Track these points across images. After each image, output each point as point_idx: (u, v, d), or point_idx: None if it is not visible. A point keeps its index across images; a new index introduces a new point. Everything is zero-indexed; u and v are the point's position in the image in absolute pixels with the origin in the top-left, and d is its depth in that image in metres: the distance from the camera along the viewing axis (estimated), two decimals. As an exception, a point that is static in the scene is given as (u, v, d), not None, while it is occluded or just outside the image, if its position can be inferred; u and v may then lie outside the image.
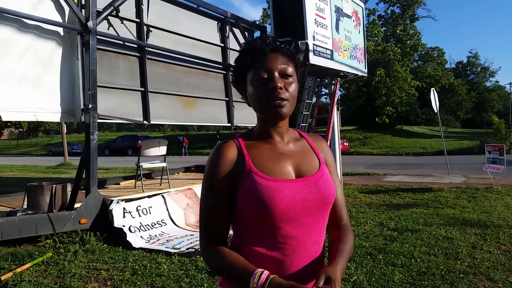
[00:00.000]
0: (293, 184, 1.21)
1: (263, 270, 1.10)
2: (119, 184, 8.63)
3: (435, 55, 47.21)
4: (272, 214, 1.15)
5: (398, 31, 34.89)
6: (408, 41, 35.28)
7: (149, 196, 6.20)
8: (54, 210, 5.52)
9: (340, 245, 1.25)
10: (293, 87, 1.24)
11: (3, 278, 3.86)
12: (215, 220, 1.23)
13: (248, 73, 1.26)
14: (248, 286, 1.09)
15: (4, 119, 4.88)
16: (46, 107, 5.29)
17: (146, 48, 6.75)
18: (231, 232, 1.28)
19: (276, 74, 1.22)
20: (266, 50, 1.24)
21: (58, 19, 5.38)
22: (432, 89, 13.40)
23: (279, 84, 1.20)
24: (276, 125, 1.27)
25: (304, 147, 1.33)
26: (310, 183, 1.23)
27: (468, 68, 55.63)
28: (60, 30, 5.42)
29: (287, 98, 1.22)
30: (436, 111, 13.03)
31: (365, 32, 10.96)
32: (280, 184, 1.19)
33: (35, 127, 34.93)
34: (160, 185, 7.98)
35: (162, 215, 5.99)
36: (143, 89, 6.72)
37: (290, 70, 1.25)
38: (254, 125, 1.34)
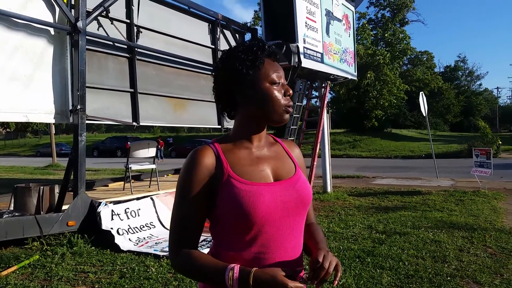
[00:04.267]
0: (272, 187, 1.22)
1: (234, 264, 1.12)
2: (107, 186, 8.56)
3: (425, 59, 47.64)
4: (253, 218, 1.16)
5: (387, 35, 35.16)
6: (398, 45, 35.55)
7: (138, 198, 6.16)
8: (42, 212, 5.46)
9: (316, 235, 1.35)
10: None
11: (-12, 281, 3.81)
12: (186, 230, 1.21)
13: (258, 71, 1.23)
14: (224, 283, 1.10)
15: None
16: (38, 108, 5.23)
17: (136, 49, 6.71)
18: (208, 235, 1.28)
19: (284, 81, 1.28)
20: (275, 57, 1.29)
21: (48, 19, 5.32)
22: (421, 93, 13.54)
23: (291, 92, 1.27)
24: (264, 129, 1.30)
25: (279, 151, 1.35)
26: (288, 186, 1.25)
27: (456, 72, 56.19)
28: (51, 29, 5.37)
29: None
30: (424, 115, 13.16)
31: (355, 35, 11.04)
32: (260, 188, 1.19)
33: (23, 128, 34.53)
34: (149, 187, 7.93)
35: (151, 217, 5.95)
36: (132, 90, 6.67)
37: None
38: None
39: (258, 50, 1.24)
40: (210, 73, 8.36)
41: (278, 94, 1.24)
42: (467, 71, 55.99)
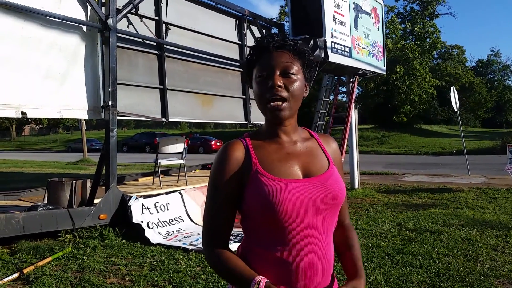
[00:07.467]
0: (300, 184, 1.19)
1: (261, 277, 1.12)
2: (137, 180, 8.73)
3: (455, 53, 46.39)
4: (278, 214, 1.15)
5: (416, 29, 34.36)
6: (427, 39, 34.70)
7: (166, 193, 6.25)
8: (74, 206, 5.61)
9: (353, 253, 1.30)
10: (296, 86, 1.21)
11: (25, 271, 3.95)
12: (218, 220, 1.23)
13: (254, 70, 1.25)
14: None
15: (29, 115, 4.94)
16: (71, 104, 5.37)
17: (164, 46, 6.79)
18: (240, 230, 1.29)
19: (278, 72, 1.20)
20: (271, 47, 1.22)
21: (80, 16, 5.45)
22: (452, 87, 13.17)
23: (278, 82, 1.19)
24: (282, 124, 1.26)
25: (313, 147, 1.31)
26: (318, 182, 1.21)
27: (489, 66, 54.41)
28: (83, 27, 5.50)
29: (286, 97, 1.20)
30: (456, 110, 12.80)
31: (384, 29, 10.84)
32: (286, 184, 1.18)
33: (55, 124, 35.50)
34: (178, 182, 8.03)
35: (179, 211, 6.03)
36: (161, 86, 6.77)
37: (295, 68, 1.22)
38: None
39: (259, 47, 1.25)
40: (237, 69, 8.39)
41: (262, 87, 1.21)
42: (501, 65, 54.14)
